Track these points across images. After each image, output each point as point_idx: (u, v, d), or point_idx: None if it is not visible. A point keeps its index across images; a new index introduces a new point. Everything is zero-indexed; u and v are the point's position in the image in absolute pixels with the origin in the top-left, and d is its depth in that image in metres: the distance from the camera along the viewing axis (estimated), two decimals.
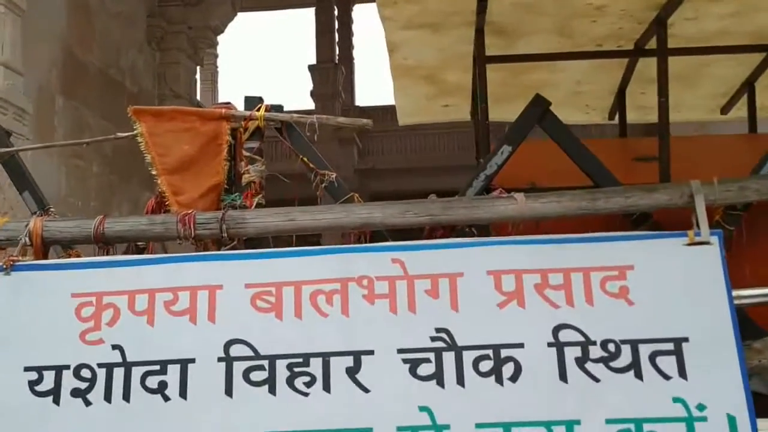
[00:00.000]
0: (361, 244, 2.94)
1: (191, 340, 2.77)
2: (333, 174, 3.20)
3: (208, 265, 2.88)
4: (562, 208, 2.86)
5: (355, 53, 23.08)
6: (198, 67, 16.76)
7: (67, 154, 11.03)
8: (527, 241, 2.84)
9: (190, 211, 2.97)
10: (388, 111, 23.03)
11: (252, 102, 3.24)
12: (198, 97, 21.39)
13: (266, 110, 3.22)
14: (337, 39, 21.85)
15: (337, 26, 21.98)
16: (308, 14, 22.30)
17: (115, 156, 11.97)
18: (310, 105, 20.63)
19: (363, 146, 20.96)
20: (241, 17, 18.52)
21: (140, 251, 3.20)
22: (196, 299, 2.81)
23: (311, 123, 3.19)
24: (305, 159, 3.23)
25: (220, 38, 18.59)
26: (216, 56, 24.77)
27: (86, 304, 2.82)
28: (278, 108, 3.25)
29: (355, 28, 23.12)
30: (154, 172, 3.21)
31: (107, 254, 3.06)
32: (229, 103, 3.32)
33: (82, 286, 2.86)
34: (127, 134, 3.27)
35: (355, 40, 23.07)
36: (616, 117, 4.53)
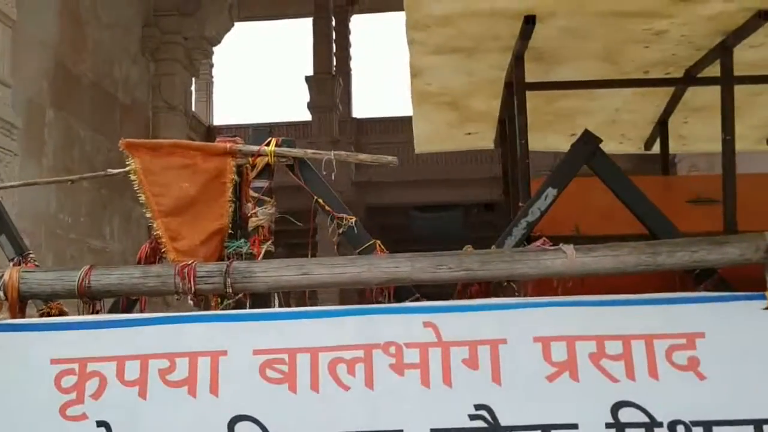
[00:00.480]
0: (388, 305, 2.55)
1: (190, 416, 2.38)
2: (352, 218, 2.82)
3: (210, 326, 2.49)
4: (618, 263, 2.49)
5: (353, 64, 22.77)
6: (193, 78, 16.38)
7: (58, 168, 10.63)
8: (580, 302, 2.47)
9: (189, 262, 2.59)
10: (386, 123, 22.77)
11: (260, 135, 2.87)
12: (193, 108, 21.04)
13: (277, 145, 2.84)
14: (334, 50, 21.53)
15: (334, 37, 21.65)
16: (306, 24, 21.97)
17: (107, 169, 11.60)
18: (307, 116, 20.30)
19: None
20: (238, 27, 18.19)
21: (132, 304, 2.81)
22: (196, 367, 2.42)
23: (327, 160, 2.80)
24: (321, 201, 2.85)
25: (215, 48, 18.25)
26: (211, 66, 24.43)
27: (67, 372, 2.43)
28: (290, 143, 2.87)
29: (353, 38, 22.82)
30: (148, 215, 2.83)
31: (93, 311, 2.67)
32: (235, 136, 2.94)
33: (62, 351, 2.46)
34: (118, 171, 2.89)
35: (352, 50, 22.77)
36: (653, 148, 4.20)
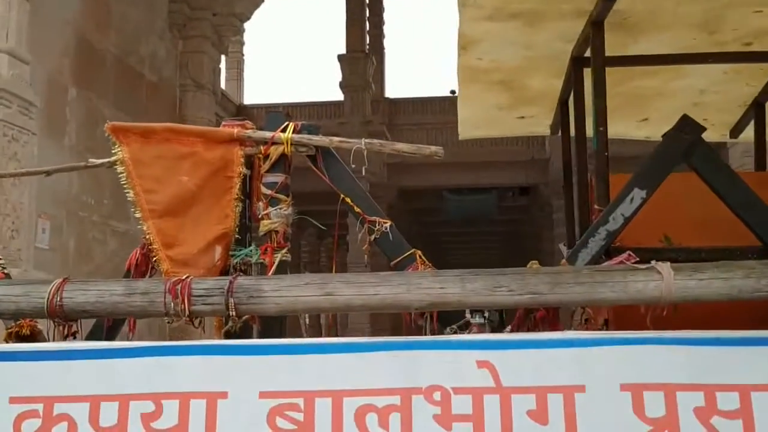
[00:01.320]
0: (431, 338, 2.01)
1: None
2: (387, 222, 2.28)
3: (207, 361, 1.96)
4: (730, 288, 1.92)
5: (386, 42, 22.14)
6: (222, 56, 15.87)
7: (80, 149, 10.21)
8: (683, 340, 1.90)
9: (184, 276, 2.07)
10: (419, 103, 22.14)
11: (275, 120, 2.34)
12: (222, 86, 20.58)
13: (295, 131, 2.31)
14: (367, 27, 20.90)
15: (367, 14, 21.01)
16: (338, 1, 21.35)
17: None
18: (339, 96, 19.75)
19: (393, 139, 20.04)
20: (269, 3, 17.64)
21: (118, 325, 2.31)
22: (188, 412, 1.91)
23: (358, 149, 2.27)
24: (349, 200, 2.31)
25: (246, 26, 17.74)
26: (242, 44, 23.96)
27: (30, 415, 1.94)
28: (311, 129, 2.34)
29: (386, 16, 22.17)
30: (138, 215, 2.32)
31: (68, 334, 2.17)
32: (244, 119, 2.41)
33: (24, 388, 1.97)
34: (101, 161, 2.38)
35: (386, 28, 22.12)
36: (740, 135, 3.59)
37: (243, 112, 21.60)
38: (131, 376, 1.95)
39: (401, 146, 2.25)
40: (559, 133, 3.60)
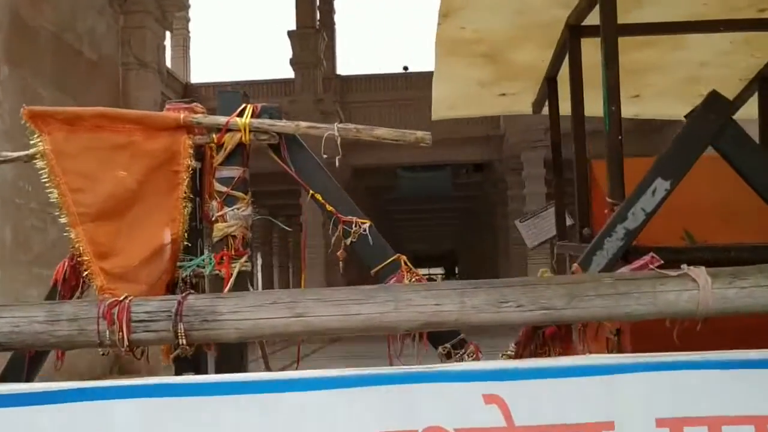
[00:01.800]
0: (425, 368, 1.66)
1: None
2: (366, 223, 1.93)
3: (145, 405, 1.58)
4: None
5: (337, 18, 21.62)
6: (167, 33, 15.21)
7: (14, 131, 9.59)
8: (727, 363, 1.59)
9: (121, 297, 1.68)
10: (372, 80, 21.72)
11: (230, 101, 1.95)
12: (168, 65, 19.84)
13: (254, 114, 1.93)
14: (317, 3, 20.34)
15: None
16: None
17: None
18: (290, 74, 19.20)
19: (345, 118, 19.62)
20: None
21: (40, 358, 1.91)
22: None
23: (330, 135, 1.90)
24: (320, 197, 1.95)
25: (191, 1, 17.06)
26: (188, 21, 23.15)
27: None
28: (273, 112, 1.95)
29: None
30: (63, 220, 1.92)
31: None
32: (192, 100, 2.02)
33: None
34: (16, 155, 1.96)
35: (336, 4, 21.59)
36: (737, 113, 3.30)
37: (190, 91, 20.91)
38: (52, 426, 1.56)
39: (382, 132, 1.89)
40: (541, 112, 3.29)
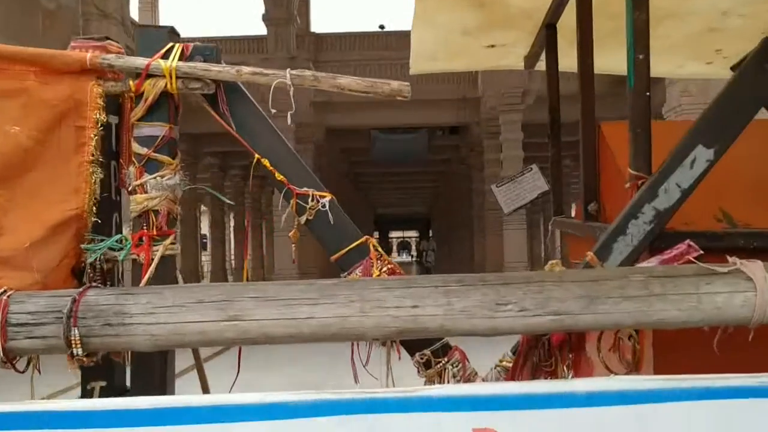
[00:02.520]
0: (399, 392, 1.26)
1: None
2: (327, 196, 1.52)
3: None
4: None
5: None
6: None
7: None
8: None
9: (1, 290, 1.28)
10: (347, 38, 21.06)
11: (153, 38, 1.52)
12: (136, 18, 19.06)
13: (185, 56, 1.51)
14: None
15: None
16: None
17: None
18: (263, 30, 18.50)
19: None
20: None
21: None
22: None
23: (280, 84, 1.48)
24: (267, 163, 1.53)
25: None
26: None
27: None
28: (210, 53, 1.53)
29: None
30: None
31: None
32: (106, 39, 1.58)
33: None
34: None
35: None
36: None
37: None
38: None
39: (347, 82, 1.46)
40: (534, 68, 2.88)
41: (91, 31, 11.66)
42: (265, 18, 17.31)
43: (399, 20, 26.25)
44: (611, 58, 2.51)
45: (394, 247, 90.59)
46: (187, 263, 24.91)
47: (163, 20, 22.70)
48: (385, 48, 20.08)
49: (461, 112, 20.22)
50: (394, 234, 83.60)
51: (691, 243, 1.38)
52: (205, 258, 38.26)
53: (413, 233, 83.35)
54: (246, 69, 1.49)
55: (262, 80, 1.49)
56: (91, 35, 1.57)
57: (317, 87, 1.47)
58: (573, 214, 2.63)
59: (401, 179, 35.45)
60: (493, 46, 2.81)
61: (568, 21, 2.37)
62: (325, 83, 1.46)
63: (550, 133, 2.56)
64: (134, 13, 18.41)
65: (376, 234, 63.84)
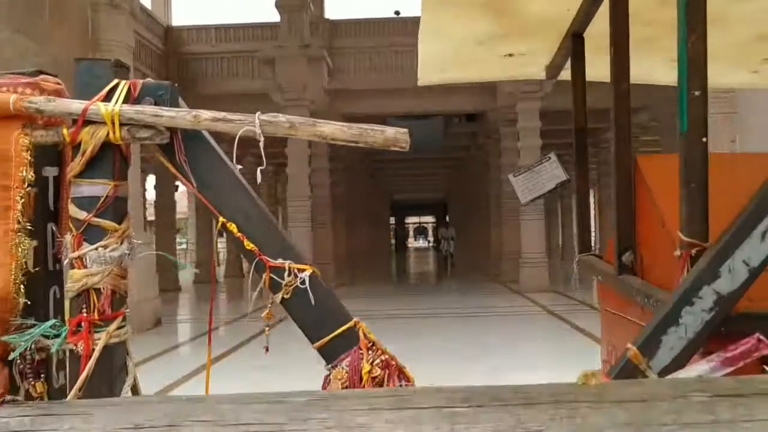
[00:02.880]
0: None
1: None
2: (306, 270, 1.24)
3: None
4: None
5: None
6: None
7: None
8: None
9: None
10: (361, 24, 20.68)
11: (93, 73, 1.24)
12: (148, 4, 18.80)
13: (132, 98, 1.22)
14: None
15: None
16: None
17: None
18: (276, 17, 18.18)
19: (334, 64, 18.73)
20: None
21: None
22: None
23: (248, 133, 1.20)
24: (233, 228, 1.25)
25: None
26: None
27: None
28: (164, 91, 1.24)
29: None
30: None
31: None
32: (40, 71, 1.30)
33: None
34: None
35: None
36: None
37: (172, 34, 19.91)
38: None
39: (330, 129, 1.18)
40: (557, 78, 2.57)
41: (100, 22, 11.42)
42: (278, 4, 16.98)
43: (414, 6, 25.84)
44: (644, 67, 2.22)
45: (411, 233, 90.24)
46: (202, 253, 24.77)
47: (175, 8, 22.37)
48: (401, 34, 19.69)
49: (478, 99, 19.83)
50: (410, 219, 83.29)
51: (762, 338, 1.09)
52: (222, 245, 38.19)
53: (430, 218, 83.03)
54: (206, 114, 1.20)
55: (226, 128, 1.20)
56: (23, 70, 1.28)
57: (294, 136, 1.19)
58: (598, 251, 2.34)
59: (417, 165, 35.11)
60: (511, 55, 2.51)
61: (595, 29, 2.07)
62: (303, 131, 1.18)
63: (576, 158, 2.27)
64: (146, 1, 18.14)
65: (392, 220, 63.54)
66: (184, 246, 40.94)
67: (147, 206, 34.76)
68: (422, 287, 20.60)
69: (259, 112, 1.19)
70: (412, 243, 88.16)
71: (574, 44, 2.23)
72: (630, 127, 1.74)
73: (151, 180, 30.95)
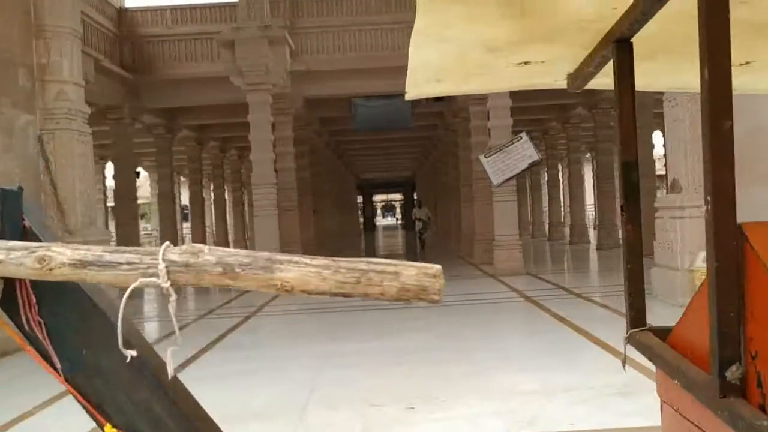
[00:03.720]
0: None
1: None
2: None
3: None
4: None
5: None
6: None
7: None
8: None
9: None
10: (325, 2, 19.92)
11: None
12: None
13: None
14: None
15: None
16: None
17: None
18: None
19: (296, 45, 18.02)
20: None
21: None
22: None
23: (149, 284, 0.64)
24: None
25: None
26: None
27: None
28: None
29: None
30: None
31: None
32: None
33: None
34: None
35: None
36: None
37: (124, 16, 19.03)
38: None
39: (295, 275, 0.63)
40: (581, 89, 2.04)
41: (44, 5, 10.61)
42: None
43: None
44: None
45: (379, 211, 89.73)
46: (167, 236, 24.02)
47: None
48: (366, 12, 19.05)
49: None
50: (378, 197, 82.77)
51: None
52: (186, 230, 37.38)
53: (398, 196, 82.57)
54: (65, 256, 0.65)
55: (105, 278, 0.65)
56: None
57: (232, 286, 0.65)
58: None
59: (385, 145, 34.58)
60: (527, 63, 1.97)
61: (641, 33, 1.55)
62: (248, 279, 0.63)
63: (623, 204, 1.73)
64: None
65: (360, 198, 63.04)
66: (149, 231, 40.10)
67: (107, 194, 33.73)
68: None
69: (166, 244, 0.64)
70: (380, 221, 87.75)
71: (618, 51, 1.69)
72: (734, 186, 1.21)
73: (110, 168, 29.95)
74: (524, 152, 16.57)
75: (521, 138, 16.55)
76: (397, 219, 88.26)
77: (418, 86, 2.15)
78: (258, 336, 10.08)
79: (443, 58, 1.88)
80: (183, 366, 7.37)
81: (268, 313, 12.19)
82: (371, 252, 33.23)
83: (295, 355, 8.09)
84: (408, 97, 2.23)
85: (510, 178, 16.64)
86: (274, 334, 10.34)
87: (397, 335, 9.05)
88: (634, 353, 1.78)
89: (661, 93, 18.28)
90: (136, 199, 20.59)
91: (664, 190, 11.62)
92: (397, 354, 7.82)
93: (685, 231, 9.76)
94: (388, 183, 68.97)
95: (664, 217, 10.27)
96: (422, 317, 10.61)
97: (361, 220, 62.68)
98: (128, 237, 18.79)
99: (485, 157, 16.67)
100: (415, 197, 32.31)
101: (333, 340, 8.91)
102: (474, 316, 10.74)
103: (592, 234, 27.32)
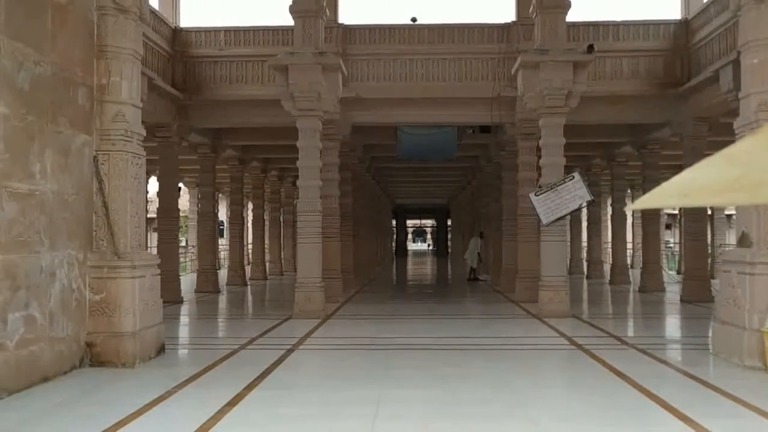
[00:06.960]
0: None
1: None
2: None
3: None
4: None
5: None
6: None
7: None
8: None
9: None
10: (377, 31, 19.79)
11: None
12: (155, 5, 17.95)
13: None
14: None
15: None
16: None
17: (34, 89, 8.86)
18: (288, 21, 17.35)
19: (348, 72, 17.88)
20: None
21: None
22: None
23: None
24: None
25: None
26: None
27: None
28: None
29: None
30: None
31: None
32: None
33: None
34: None
35: None
36: None
37: (180, 36, 19.09)
38: None
39: None
40: None
41: (107, 28, 10.58)
42: (293, 9, 16.16)
43: (431, 13, 24.98)
44: None
45: (410, 235, 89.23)
46: (204, 261, 23.85)
47: (184, 11, 21.44)
48: (417, 42, 18.90)
49: (495, 111, 18.98)
50: (411, 222, 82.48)
51: None
52: (221, 247, 37.38)
53: (428, 222, 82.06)
54: None
55: None
56: None
57: None
58: None
59: (423, 173, 34.36)
60: None
61: None
62: None
63: None
64: (154, 1, 17.27)
65: (393, 222, 62.78)
66: (183, 244, 40.12)
67: (148, 207, 33.87)
68: (429, 305, 19.63)
69: None
70: (410, 245, 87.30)
71: None
72: None
73: (152, 182, 30.02)
74: (576, 192, 16.19)
75: (573, 177, 16.17)
76: (428, 245, 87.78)
77: (653, 199, 1.72)
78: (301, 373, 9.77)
79: (721, 174, 1.50)
80: (230, 404, 7.14)
81: (310, 347, 11.91)
82: (404, 284, 32.78)
83: (341, 399, 7.78)
84: (635, 207, 1.86)
85: (560, 218, 16.28)
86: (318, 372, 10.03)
87: (443, 382, 8.65)
88: None
89: (719, 135, 17.72)
90: (178, 217, 20.53)
91: (732, 230, 11.14)
92: (447, 405, 7.47)
93: (754, 288, 9.35)
94: (422, 209, 68.66)
95: (731, 271, 9.86)
96: (466, 362, 10.26)
97: (393, 244, 62.42)
98: (169, 253, 18.66)
99: (535, 195, 16.31)
100: (475, 228, 29.40)
101: (374, 385, 8.57)
102: (522, 362, 10.33)
103: (630, 274, 26.68)
